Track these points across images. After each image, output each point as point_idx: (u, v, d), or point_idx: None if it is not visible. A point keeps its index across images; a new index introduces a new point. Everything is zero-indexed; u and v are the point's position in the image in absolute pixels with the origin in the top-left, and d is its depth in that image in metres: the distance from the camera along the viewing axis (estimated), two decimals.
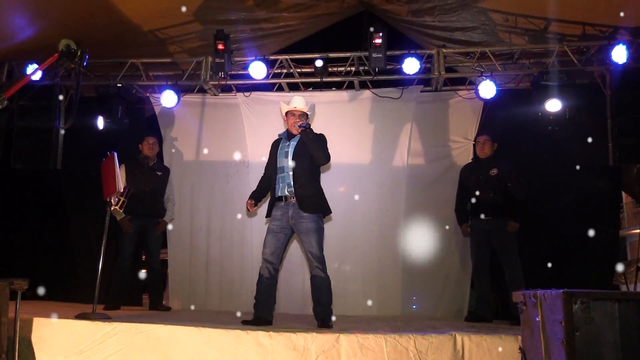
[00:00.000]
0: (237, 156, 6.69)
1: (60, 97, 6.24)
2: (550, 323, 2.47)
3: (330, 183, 5.50)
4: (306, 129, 4.32)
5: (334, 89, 6.73)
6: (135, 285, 6.47)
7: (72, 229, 6.81)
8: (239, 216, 6.51)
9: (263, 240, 4.41)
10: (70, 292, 6.50)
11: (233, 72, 6.55)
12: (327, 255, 4.33)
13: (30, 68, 6.04)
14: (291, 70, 6.59)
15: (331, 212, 4.47)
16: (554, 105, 5.90)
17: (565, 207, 6.08)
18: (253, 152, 6.59)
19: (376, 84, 6.59)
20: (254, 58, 6.31)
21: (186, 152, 6.83)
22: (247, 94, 6.70)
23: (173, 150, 6.81)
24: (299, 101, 4.49)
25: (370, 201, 6.41)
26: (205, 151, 6.76)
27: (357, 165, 6.48)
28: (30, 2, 5.42)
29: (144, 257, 6.34)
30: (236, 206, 6.52)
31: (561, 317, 2.31)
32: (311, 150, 4.30)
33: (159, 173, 6.06)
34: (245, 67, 6.43)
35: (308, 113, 4.49)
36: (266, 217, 4.50)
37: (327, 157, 4.39)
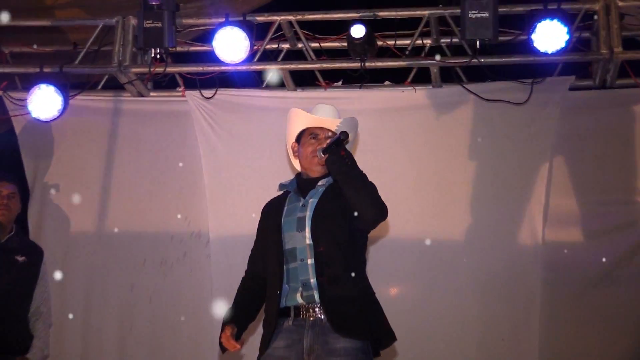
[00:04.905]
0: (185, 223, 5.21)
1: None
2: None
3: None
4: (342, 141, 3.35)
5: (387, 83, 5.11)
6: None
7: None
8: (187, 342, 5.08)
9: None
10: None
11: (179, 49, 5.04)
12: None
13: None
14: (299, 45, 4.92)
15: (395, 339, 3.30)
16: None
17: None
18: (218, 214, 5.14)
19: (475, 74, 4.86)
20: (223, 20, 4.79)
21: (77, 215, 5.27)
22: (208, 93, 5.12)
23: (50, 211, 5.30)
24: (327, 111, 3.53)
25: (470, 306, 4.90)
26: (118, 213, 5.25)
27: (441, 241, 4.96)
28: None
29: None
30: (182, 324, 5.16)
31: None
32: (348, 191, 3.26)
33: (20, 259, 4.76)
34: (207, 38, 4.99)
35: (346, 136, 3.42)
36: (259, 354, 3.35)
37: (383, 208, 3.33)
